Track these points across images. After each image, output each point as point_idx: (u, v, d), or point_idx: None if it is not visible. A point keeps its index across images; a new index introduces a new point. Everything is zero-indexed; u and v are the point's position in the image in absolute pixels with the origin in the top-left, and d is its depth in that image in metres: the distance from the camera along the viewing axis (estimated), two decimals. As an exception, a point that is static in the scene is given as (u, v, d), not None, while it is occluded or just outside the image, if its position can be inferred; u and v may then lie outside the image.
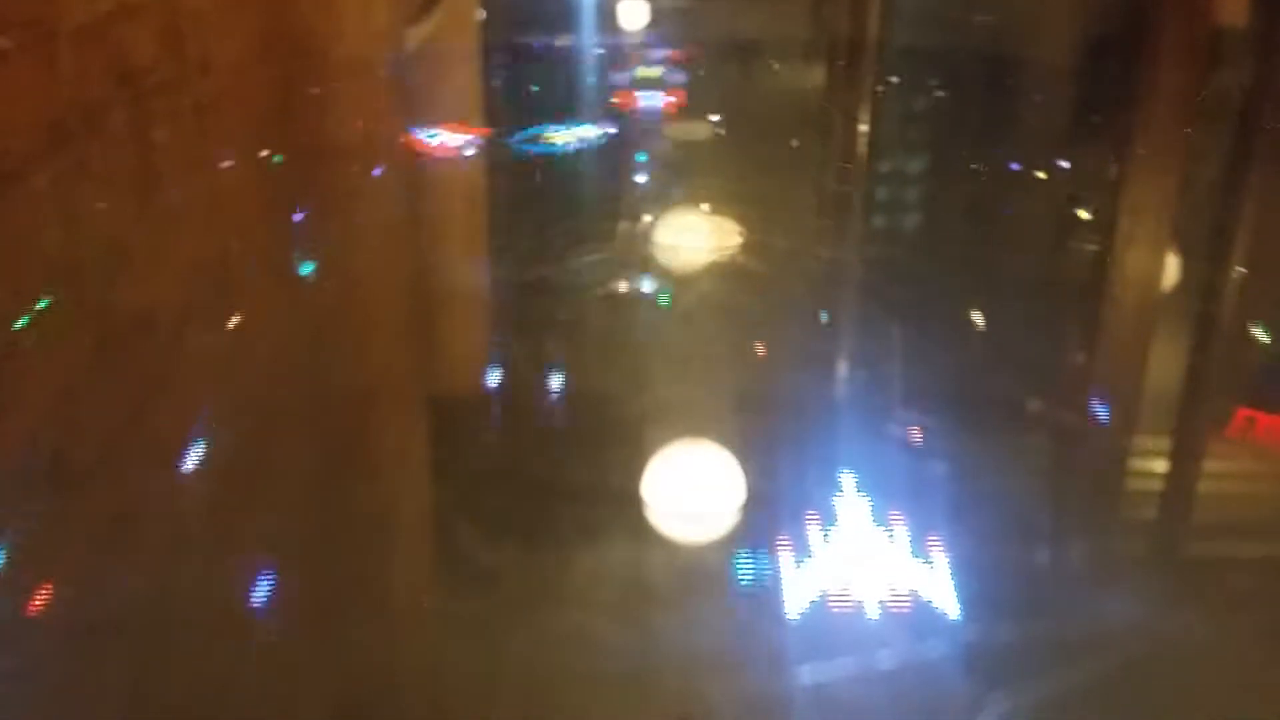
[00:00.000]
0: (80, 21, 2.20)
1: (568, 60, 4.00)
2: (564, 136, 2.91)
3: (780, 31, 4.40)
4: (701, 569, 1.41)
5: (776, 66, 4.10)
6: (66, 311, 1.82)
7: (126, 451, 1.55)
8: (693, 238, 2.36)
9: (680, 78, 3.67)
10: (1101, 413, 1.84)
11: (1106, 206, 2.63)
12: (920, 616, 1.26)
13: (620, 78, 3.75)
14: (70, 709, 1.15)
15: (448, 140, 2.89)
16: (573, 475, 1.56)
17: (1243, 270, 2.28)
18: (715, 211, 2.48)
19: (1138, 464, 1.70)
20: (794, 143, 3.14)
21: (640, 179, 2.86)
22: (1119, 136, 3.04)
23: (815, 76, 4.07)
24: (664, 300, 2.13)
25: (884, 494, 1.46)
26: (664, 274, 2.24)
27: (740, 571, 1.35)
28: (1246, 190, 2.75)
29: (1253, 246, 2.36)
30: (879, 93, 3.57)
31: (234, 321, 1.97)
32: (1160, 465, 1.67)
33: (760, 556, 1.35)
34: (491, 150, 2.91)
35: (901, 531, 1.39)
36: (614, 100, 3.44)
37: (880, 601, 1.28)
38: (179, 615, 1.26)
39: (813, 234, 2.53)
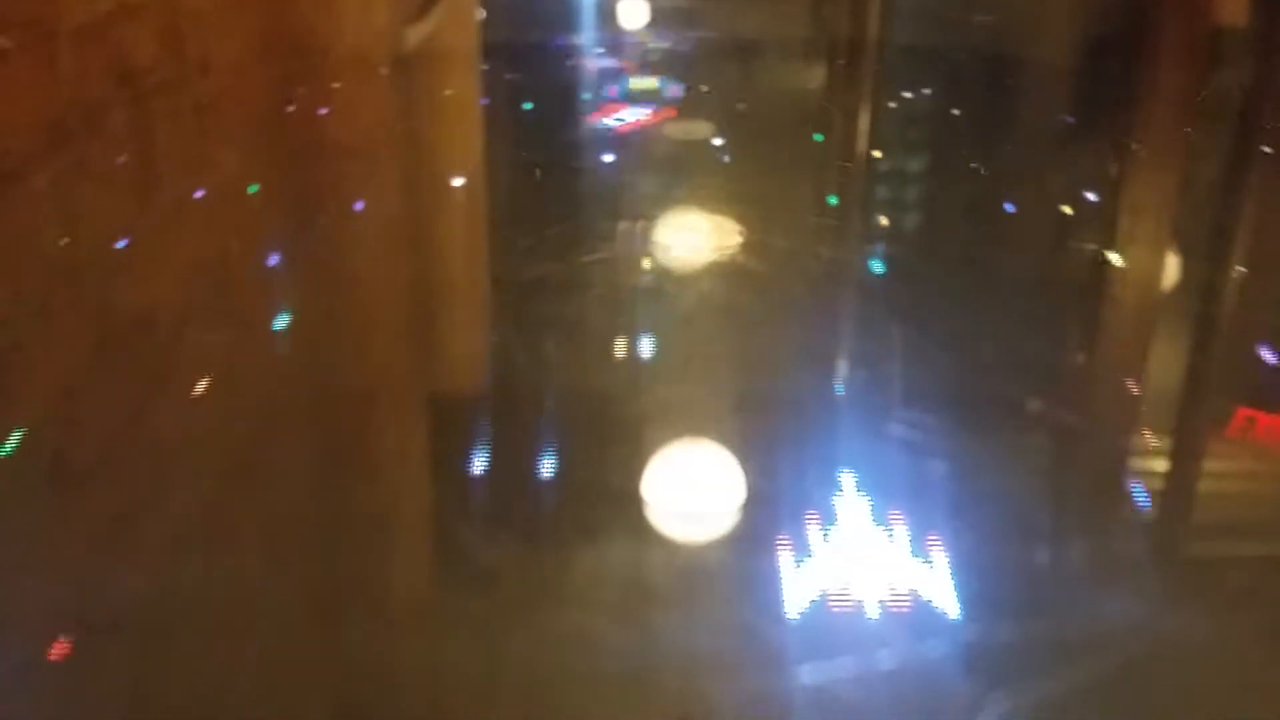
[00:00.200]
0: (80, 21, 2.20)
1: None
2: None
3: (780, 31, 4.40)
4: (701, 569, 1.41)
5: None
6: (66, 311, 1.82)
7: (126, 451, 1.55)
8: (693, 237, 2.36)
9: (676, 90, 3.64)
10: (1101, 412, 1.84)
11: (1107, 206, 2.63)
12: (920, 616, 1.26)
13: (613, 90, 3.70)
14: (70, 709, 1.15)
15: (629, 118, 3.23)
16: (573, 475, 1.56)
17: (1243, 270, 2.28)
18: (715, 211, 2.48)
19: (1138, 464, 1.70)
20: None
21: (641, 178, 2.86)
22: (1119, 136, 3.04)
23: (815, 75, 4.07)
24: (663, 300, 2.13)
25: (884, 494, 1.47)
26: (664, 273, 2.24)
27: (740, 571, 1.35)
28: (1246, 190, 2.75)
29: (1253, 246, 2.36)
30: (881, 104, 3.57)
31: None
32: (1160, 465, 1.67)
33: (760, 556, 1.36)
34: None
35: (901, 531, 1.39)
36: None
37: (880, 601, 1.28)
38: (179, 615, 1.26)
39: (813, 233, 2.53)
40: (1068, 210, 2.59)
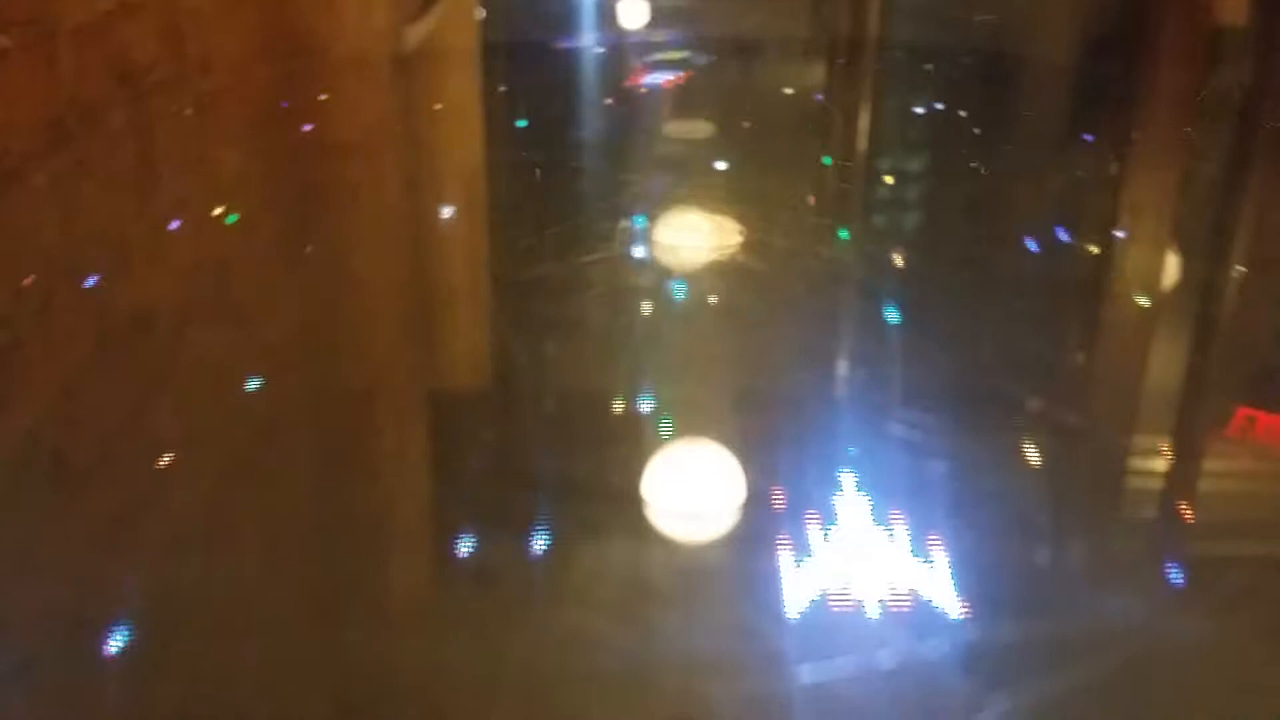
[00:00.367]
0: (80, 20, 2.20)
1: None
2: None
3: (780, 30, 4.40)
4: (701, 568, 1.41)
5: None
6: (65, 310, 1.82)
7: (126, 451, 1.55)
8: (693, 237, 2.36)
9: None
10: (1101, 412, 1.84)
11: (1107, 205, 2.63)
12: (920, 616, 1.26)
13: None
14: (70, 709, 1.15)
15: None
16: (573, 474, 1.56)
17: (1243, 269, 2.28)
18: (716, 211, 2.48)
19: (1138, 464, 1.70)
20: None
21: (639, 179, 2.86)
22: (1119, 135, 3.04)
23: (815, 74, 4.07)
24: (664, 299, 2.13)
25: (884, 493, 1.47)
26: (664, 273, 2.24)
27: (740, 571, 1.35)
28: (1247, 189, 2.75)
29: (1253, 246, 2.36)
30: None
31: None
32: (1160, 465, 1.67)
33: (760, 556, 1.35)
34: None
35: (901, 531, 1.39)
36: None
37: (880, 601, 1.28)
38: (178, 615, 1.26)
39: (812, 233, 2.53)
40: (1067, 210, 2.59)
